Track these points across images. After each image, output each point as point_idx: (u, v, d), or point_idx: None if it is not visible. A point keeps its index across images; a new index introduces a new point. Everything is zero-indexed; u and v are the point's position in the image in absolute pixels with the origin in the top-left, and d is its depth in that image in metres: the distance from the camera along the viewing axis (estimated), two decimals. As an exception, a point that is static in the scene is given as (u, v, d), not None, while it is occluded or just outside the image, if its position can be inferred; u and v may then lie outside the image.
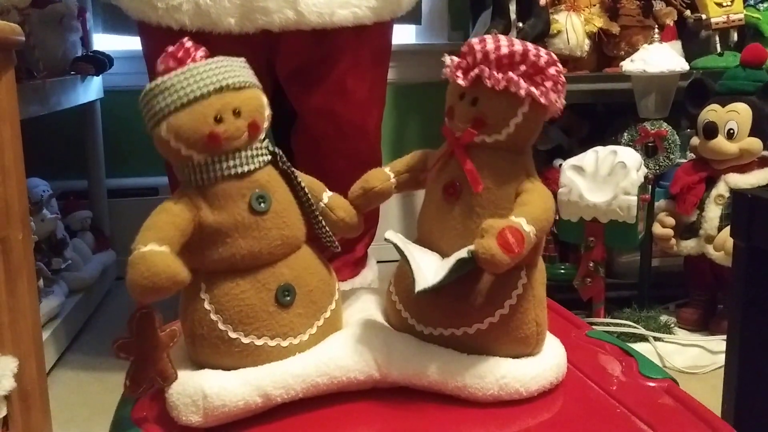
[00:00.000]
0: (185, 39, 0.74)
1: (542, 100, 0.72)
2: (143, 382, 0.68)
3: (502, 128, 0.73)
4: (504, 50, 0.72)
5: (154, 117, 0.71)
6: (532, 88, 0.71)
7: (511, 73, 0.71)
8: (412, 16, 1.85)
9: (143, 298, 0.65)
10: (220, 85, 0.71)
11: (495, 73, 0.72)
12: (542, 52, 0.72)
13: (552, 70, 0.72)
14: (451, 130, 0.77)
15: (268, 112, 0.77)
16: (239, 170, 0.72)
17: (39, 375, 1.03)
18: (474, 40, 0.74)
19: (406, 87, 2.18)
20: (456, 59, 0.76)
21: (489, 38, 0.74)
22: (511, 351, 0.74)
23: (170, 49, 0.73)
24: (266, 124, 0.76)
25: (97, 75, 1.83)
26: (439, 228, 0.77)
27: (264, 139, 0.76)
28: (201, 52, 0.74)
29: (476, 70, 0.73)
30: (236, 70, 0.74)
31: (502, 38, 0.73)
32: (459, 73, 0.74)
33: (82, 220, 1.88)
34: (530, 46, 0.72)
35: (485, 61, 0.73)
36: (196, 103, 0.70)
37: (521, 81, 0.71)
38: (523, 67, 0.72)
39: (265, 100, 0.77)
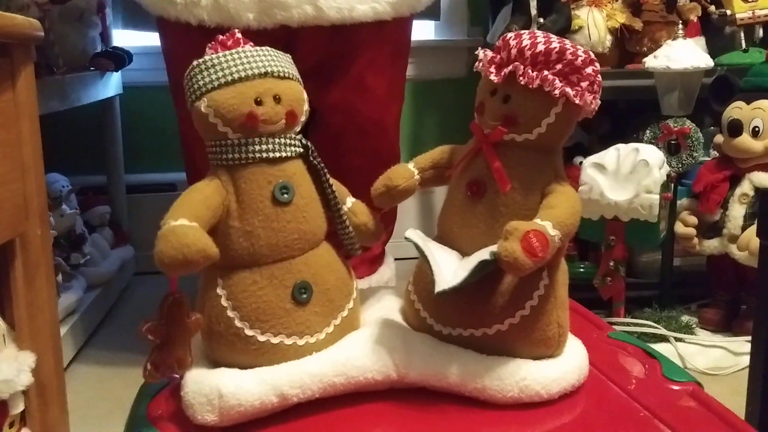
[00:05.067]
0: (236, 30, 0.77)
1: (577, 100, 0.70)
2: (163, 367, 0.68)
3: (534, 128, 0.72)
4: (540, 47, 0.70)
5: (196, 91, 0.73)
6: (567, 88, 0.69)
7: (546, 72, 0.69)
8: (431, 12, 1.82)
9: (172, 271, 0.65)
10: (265, 71, 0.73)
11: (529, 70, 0.70)
12: (580, 50, 0.70)
13: (589, 70, 0.70)
14: (480, 126, 0.75)
15: (307, 107, 0.78)
16: (270, 155, 0.73)
17: (57, 370, 1.03)
18: (510, 35, 0.72)
19: (425, 83, 2.16)
20: (490, 53, 0.74)
21: (526, 34, 0.72)
22: (532, 352, 0.73)
23: (221, 37, 0.76)
24: (304, 118, 0.78)
25: (117, 71, 1.83)
26: (461, 226, 0.76)
27: (299, 132, 0.78)
28: (249, 45, 0.76)
29: (510, 67, 0.71)
30: (282, 61, 0.76)
31: (540, 34, 0.71)
32: (492, 69, 0.73)
33: (100, 215, 1.88)
34: (568, 43, 0.70)
35: (520, 58, 0.71)
36: (239, 83, 0.72)
37: (556, 80, 0.69)
38: (559, 66, 0.70)
39: (305, 95, 0.78)
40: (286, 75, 0.75)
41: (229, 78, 0.72)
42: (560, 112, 0.71)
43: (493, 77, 0.72)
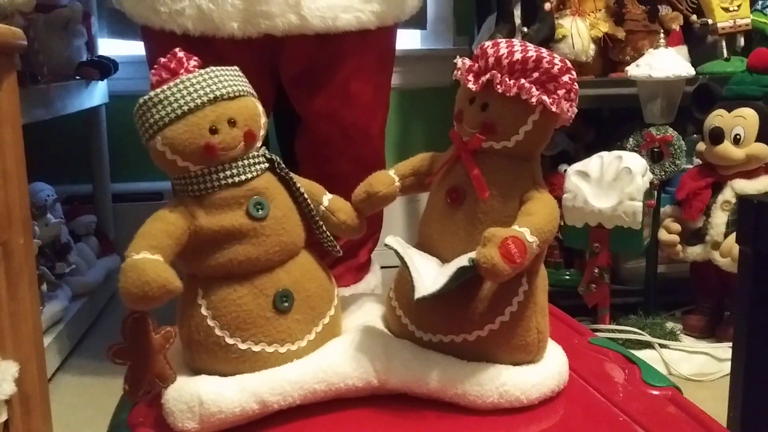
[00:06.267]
0: (177, 49, 0.74)
1: (554, 108, 0.70)
2: (141, 385, 0.68)
3: (511, 135, 0.72)
4: (517, 56, 0.70)
5: (149, 130, 0.71)
6: (544, 96, 0.70)
7: (523, 80, 0.70)
8: (417, 21, 1.84)
9: (135, 306, 0.65)
10: (214, 96, 0.71)
11: (507, 79, 0.70)
12: (557, 59, 0.71)
13: (566, 78, 0.71)
14: (459, 134, 0.76)
15: (263, 119, 0.76)
16: (236, 179, 0.72)
17: (40, 379, 1.03)
18: (487, 44, 0.73)
19: (411, 92, 2.17)
20: (468, 62, 0.75)
21: (503, 43, 0.72)
22: (512, 358, 0.73)
23: (162, 60, 0.73)
24: (262, 132, 0.76)
25: (102, 80, 1.83)
26: (441, 232, 0.76)
27: (261, 147, 0.76)
28: (194, 62, 0.74)
29: (488, 75, 0.71)
30: (229, 79, 0.74)
31: (517, 43, 0.72)
32: (470, 77, 0.73)
33: (86, 224, 1.88)
34: (545, 52, 0.71)
35: (497, 66, 0.71)
36: (190, 114, 0.70)
37: (533, 88, 0.70)
38: (536, 74, 0.70)
39: (260, 108, 0.76)
40: (237, 93, 0.73)
41: (179, 112, 0.70)
42: (537, 119, 0.72)
43: (471, 85, 0.73)
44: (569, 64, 0.72)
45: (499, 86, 0.70)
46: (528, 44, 0.72)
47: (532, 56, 0.70)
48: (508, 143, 0.73)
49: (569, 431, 0.71)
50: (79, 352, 1.57)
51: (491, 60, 0.72)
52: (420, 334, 0.75)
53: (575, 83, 0.72)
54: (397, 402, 0.73)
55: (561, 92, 0.70)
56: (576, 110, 0.73)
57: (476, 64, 0.73)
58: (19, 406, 0.98)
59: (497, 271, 0.65)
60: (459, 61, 0.75)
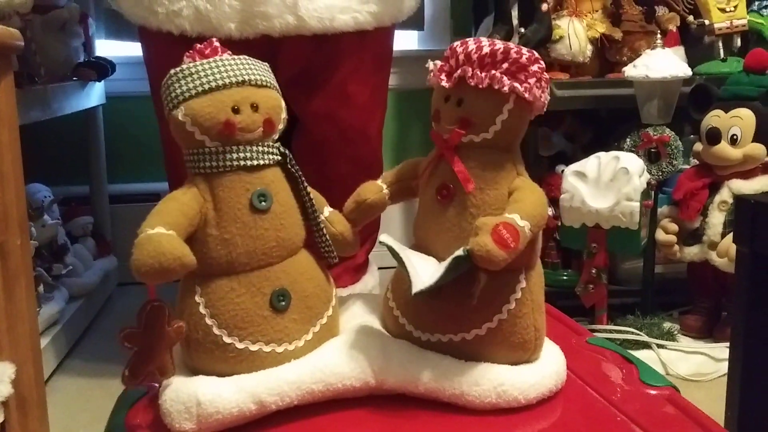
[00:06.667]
0: (214, 39, 0.77)
1: (526, 95, 0.72)
2: (142, 374, 0.68)
3: (489, 126, 0.74)
4: (486, 50, 0.72)
5: (174, 99, 0.73)
6: (516, 84, 0.72)
7: (493, 71, 0.72)
8: (415, 22, 1.84)
9: (149, 279, 0.65)
10: (243, 79, 0.73)
11: (478, 72, 0.72)
12: (524, 50, 0.73)
13: (534, 67, 0.73)
14: (439, 133, 0.77)
15: (284, 115, 0.78)
16: (248, 163, 0.73)
17: (37, 381, 1.02)
18: (456, 44, 0.75)
19: (409, 93, 2.17)
20: (439, 63, 0.77)
21: (470, 40, 0.75)
22: (510, 357, 0.73)
23: (198, 46, 0.76)
24: (281, 126, 0.78)
25: (99, 81, 1.83)
26: (435, 231, 0.76)
27: (277, 140, 0.78)
28: (227, 54, 0.76)
29: (459, 71, 0.73)
30: (260, 69, 0.77)
31: (483, 39, 0.74)
32: (443, 76, 0.75)
33: (83, 225, 1.88)
34: (511, 44, 0.73)
35: (468, 62, 0.73)
36: (216, 91, 0.72)
37: (504, 78, 0.72)
38: (505, 65, 0.72)
39: (283, 103, 0.78)
40: (264, 83, 0.76)
41: (206, 86, 0.72)
42: (512, 108, 0.73)
43: (444, 83, 0.75)
44: (537, 55, 0.74)
45: (471, 80, 0.73)
46: (494, 40, 0.74)
47: (499, 48, 0.72)
48: (487, 135, 0.74)
49: (567, 431, 0.71)
50: (76, 354, 1.57)
51: (461, 57, 0.74)
52: (418, 334, 0.75)
53: (544, 72, 0.74)
54: (394, 402, 0.73)
55: (532, 81, 0.72)
56: (548, 98, 0.76)
57: (447, 64, 0.76)
58: (16, 407, 0.98)
59: (492, 257, 0.65)
60: (430, 64, 0.78)
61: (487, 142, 0.74)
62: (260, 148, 0.74)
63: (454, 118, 0.75)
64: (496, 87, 0.72)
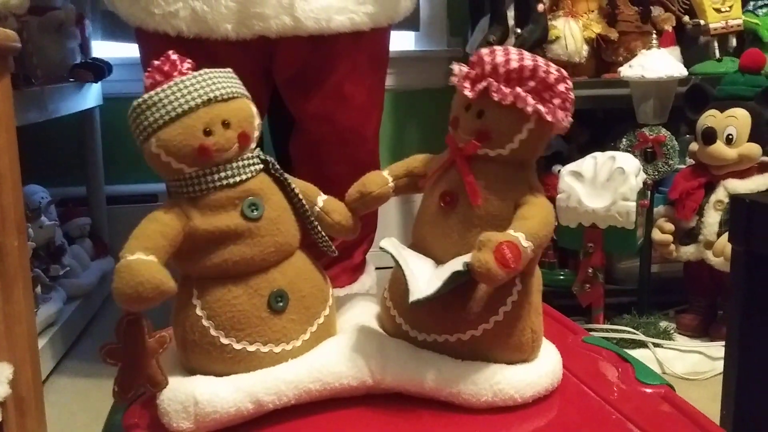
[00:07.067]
0: (170, 52, 0.74)
1: (549, 117, 0.70)
2: (131, 388, 0.68)
3: (506, 143, 0.73)
4: (514, 64, 0.70)
5: (143, 132, 0.71)
6: (540, 106, 0.70)
7: (518, 89, 0.70)
8: (411, 23, 1.84)
9: (129, 307, 0.65)
10: (208, 98, 0.71)
11: (503, 87, 0.70)
12: (552, 68, 0.71)
13: (561, 87, 0.71)
14: (455, 139, 0.76)
15: (258, 121, 0.76)
16: (231, 181, 0.73)
17: (34, 382, 1.02)
18: (484, 51, 0.73)
19: (405, 93, 2.18)
20: (465, 68, 0.74)
21: (499, 50, 0.72)
22: (506, 358, 0.74)
23: (155, 63, 0.73)
24: (256, 134, 0.76)
25: (96, 82, 1.83)
26: (434, 235, 0.76)
27: (255, 148, 0.76)
28: (187, 64, 0.74)
29: (484, 83, 0.71)
30: (223, 81, 0.74)
31: (513, 51, 0.72)
32: (466, 84, 0.73)
33: (80, 226, 1.87)
34: (541, 61, 0.71)
35: (494, 74, 0.71)
36: (184, 116, 0.70)
37: (529, 97, 0.70)
38: (531, 83, 0.70)
39: (254, 109, 0.76)
40: (231, 95, 0.73)
41: (173, 114, 0.70)
42: (533, 128, 0.72)
43: (467, 92, 0.73)
44: (565, 73, 0.72)
45: (495, 94, 0.70)
46: (524, 52, 0.72)
47: (528, 65, 0.70)
48: (503, 151, 0.73)
49: (563, 429, 0.71)
50: (74, 355, 1.57)
51: (488, 67, 0.72)
52: (414, 334, 0.75)
53: (571, 92, 0.72)
54: (392, 401, 0.73)
55: (556, 101, 0.71)
56: (571, 120, 0.73)
57: (473, 71, 0.73)
58: (14, 408, 0.98)
59: (492, 275, 0.65)
60: (456, 67, 0.75)
61: (502, 158, 0.73)
62: (240, 163, 0.73)
63: (472, 129, 0.73)
64: (520, 106, 0.70)
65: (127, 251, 0.66)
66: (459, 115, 0.75)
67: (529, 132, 0.72)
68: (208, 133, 0.71)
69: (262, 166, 0.76)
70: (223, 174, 0.72)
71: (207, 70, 0.74)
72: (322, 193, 0.82)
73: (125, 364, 0.67)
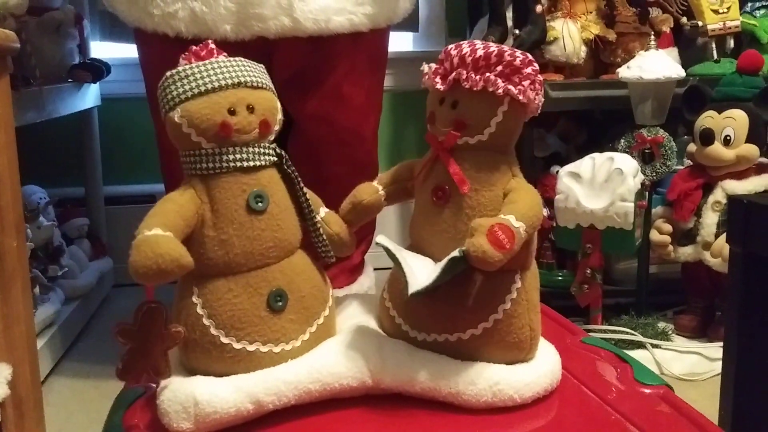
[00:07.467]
0: (210, 41, 0.77)
1: (521, 97, 0.73)
2: (134, 370, 0.68)
3: (484, 128, 0.74)
4: (480, 52, 0.73)
5: (170, 101, 0.73)
6: (510, 87, 0.72)
7: (488, 74, 0.72)
8: (410, 24, 1.85)
9: (146, 280, 0.65)
10: (239, 81, 0.74)
11: (473, 74, 0.73)
12: (518, 52, 0.74)
13: (528, 70, 0.73)
14: (434, 135, 0.78)
15: (280, 116, 0.79)
16: (244, 164, 0.74)
17: (33, 382, 1.02)
18: (450, 46, 0.76)
19: (404, 94, 2.18)
20: (434, 66, 0.77)
21: (464, 43, 0.75)
22: (505, 356, 0.74)
23: (194, 48, 0.76)
24: (277, 127, 0.78)
25: (95, 82, 1.83)
26: (430, 232, 0.77)
27: (273, 141, 0.78)
28: (223, 56, 0.77)
29: (454, 74, 0.74)
30: (256, 71, 0.77)
31: (477, 42, 0.75)
32: (438, 79, 0.76)
33: (79, 227, 1.87)
34: (505, 47, 0.74)
35: (462, 65, 0.74)
36: (213, 93, 0.72)
37: (498, 80, 0.72)
38: (499, 68, 0.73)
39: (279, 105, 0.79)
40: (260, 85, 0.76)
41: (203, 88, 0.72)
42: (507, 110, 0.74)
43: (439, 86, 0.75)
44: (531, 57, 0.74)
45: (466, 82, 0.73)
46: (488, 42, 0.75)
47: (494, 51, 0.73)
48: (482, 136, 0.75)
49: (562, 429, 0.72)
50: (72, 355, 1.57)
51: (455, 60, 0.74)
52: (414, 334, 0.76)
53: (538, 75, 0.75)
54: (391, 401, 0.73)
55: (526, 83, 0.73)
56: (542, 100, 0.76)
57: (441, 67, 0.76)
58: (12, 409, 0.98)
59: (487, 258, 0.66)
60: (425, 66, 0.78)
61: (482, 143, 0.75)
62: (256, 149, 0.75)
63: (449, 120, 0.75)
64: (491, 89, 0.72)
65: (145, 227, 0.67)
66: (434, 110, 0.78)
67: (504, 114, 0.74)
68: (232, 112, 0.73)
69: (276, 159, 0.77)
70: (238, 156, 0.73)
71: (243, 59, 0.77)
72: (324, 206, 0.83)
73: (135, 346, 0.68)
